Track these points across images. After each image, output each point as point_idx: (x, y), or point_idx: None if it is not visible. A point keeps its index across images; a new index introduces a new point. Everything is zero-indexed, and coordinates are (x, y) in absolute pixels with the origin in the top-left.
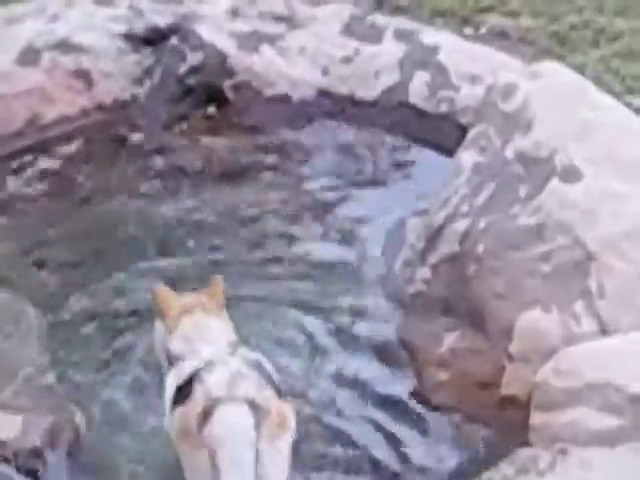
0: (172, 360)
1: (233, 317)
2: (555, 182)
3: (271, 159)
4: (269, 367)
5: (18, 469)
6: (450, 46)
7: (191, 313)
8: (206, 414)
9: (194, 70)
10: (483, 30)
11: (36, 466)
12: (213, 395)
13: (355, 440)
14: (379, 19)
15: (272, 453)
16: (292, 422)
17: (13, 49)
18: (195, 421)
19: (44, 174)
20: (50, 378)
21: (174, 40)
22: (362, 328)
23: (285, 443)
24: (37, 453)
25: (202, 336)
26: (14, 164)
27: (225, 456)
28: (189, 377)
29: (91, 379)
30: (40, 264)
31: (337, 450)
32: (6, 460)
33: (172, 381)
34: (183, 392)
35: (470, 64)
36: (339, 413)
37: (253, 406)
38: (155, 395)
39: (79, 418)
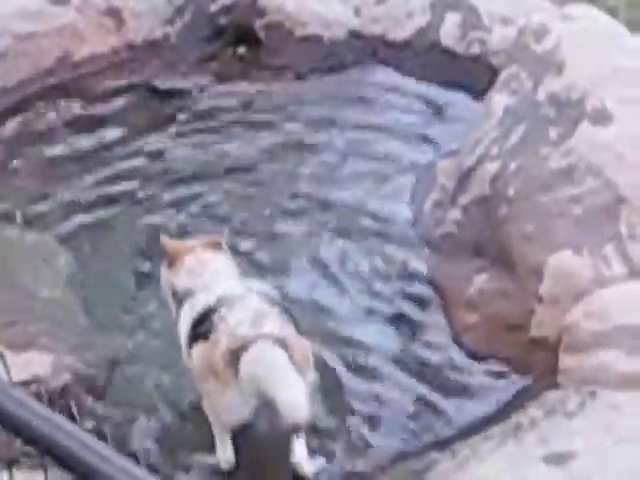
0: (180, 297)
1: None
2: (586, 125)
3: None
4: (277, 297)
5: (51, 405)
6: None
7: (192, 251)
8: (234, 353)
9: (225, 10)
10: None
11: (68, 403)
12: (237, 333)
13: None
14: None
15: None
16: (311, 356)
17: None
18: (222, 360)
19: (74, 112)
20: (79, 317)
21: None
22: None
23: (310, 378)
24: (68, 390)
25: (207, 270)
26: (45, 102)
27: (273, 383)
28: (204, 312)
29: (120, 318)
30: (68, 204)
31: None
32: (40, 396)
33: (186, 316)
34: (200, 327)
35: (501, 6)
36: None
37: (280, 343)
38: None
39: (108, 356)
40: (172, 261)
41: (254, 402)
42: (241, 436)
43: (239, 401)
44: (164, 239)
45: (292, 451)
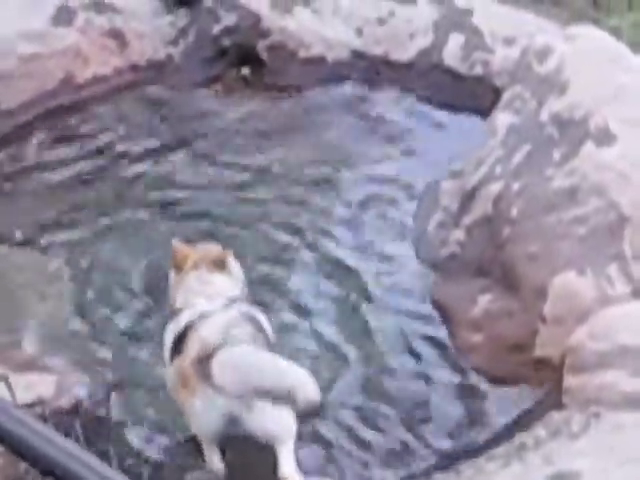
0: (174, 312)
1: None
2: (590, 145)
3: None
4: (266, 324)
5: (55, 427)
6: (484, 9)
7: (197, 269)
8: (202, 360)
9: (228, 31)
10: None
11: (72, 424)
12: (206, 340)
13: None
14: None
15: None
16: None
17: (48, 9)
18: (190, 368)
19: (77, 134)
20: (83, 337)
21: (208, 1)
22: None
23: None
24: (72, 412)
25: (202, 290)
26: (49, 123)
27: (264, 376)
28: (184, 329)
29: (124, 337)
30: (73, 225)
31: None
32: (44, 418)
33: (170, 333)
34: (180, 344)
35: (505, 26)
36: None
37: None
38: None
39: (112, 376)
40: (178, 268)
41: (227, 409)
42: (227, 449)
43: (208, 410)
44: (175, 244)
45: (278, 465)
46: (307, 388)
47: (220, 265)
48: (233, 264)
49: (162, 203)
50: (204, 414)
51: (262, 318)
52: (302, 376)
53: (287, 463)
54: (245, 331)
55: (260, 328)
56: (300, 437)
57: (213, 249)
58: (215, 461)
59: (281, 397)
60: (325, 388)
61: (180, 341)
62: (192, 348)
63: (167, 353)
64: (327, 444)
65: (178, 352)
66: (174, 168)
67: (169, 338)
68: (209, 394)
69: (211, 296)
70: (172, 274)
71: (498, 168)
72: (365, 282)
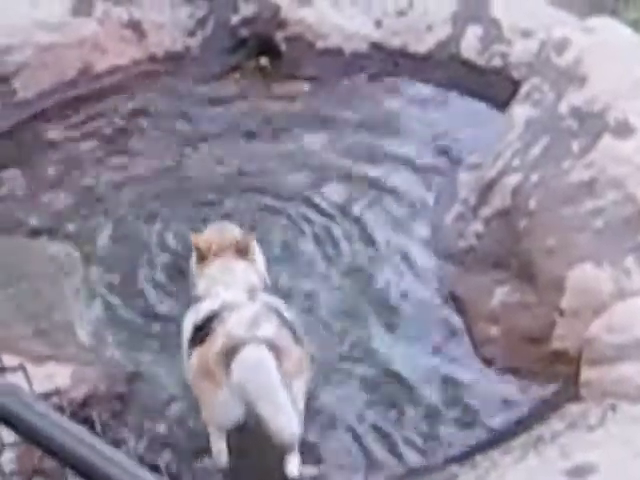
0: (195, 299)
1: None
2: (608, 138)
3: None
4: (290, 314)
5: (72, 416)
6: (503, 0)
7: (220, 256)
8: (227, 353)
9: (247, 21)
10: None
11: (89, 414)
12: (232, 333)
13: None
14: None
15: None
16: (307, 366)
17: None
18: (215, 359)
19: (95, 124)
20: (101, 329)
21: None
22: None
23: (301, 384)
24: (89, 402)
25: (224, 279)
26: (66, 113)
27: (258, 393)
28: (205, 318)
29: (141, 329)
30: (93, 216)
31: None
32: (61, 408)
33: (189, 321)
34: (201, 333)
35: (523, 19)
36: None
37: (272, 347)
38: None
39: (129, 368)
40: (201, 257)
41: (244, 404)
42: (236, 437)
43: (231, 401)
44: (193, 235)
45: (286, 460)
46: (286, 435)
47: (244, 251)
48: (256, 249)
49: (178, 192)
50: (227, 405)
51: (283, 308)
52: (293, 424)
53: (293, 459)
54: (271, 327)
55: (284, 321)
56: None
57: (234, 232)
58: (222, 454)
59: (261, 424)
60: None
61: (200, 330)
62: (218, 339)
63: (186, 341)
64: None
65: (199, 341)
66: (192, 158)
67: (188, 326)
68: (231, 387)
69: (231, 285)
70: (193, 262)
71: (516, 160)
72: None
